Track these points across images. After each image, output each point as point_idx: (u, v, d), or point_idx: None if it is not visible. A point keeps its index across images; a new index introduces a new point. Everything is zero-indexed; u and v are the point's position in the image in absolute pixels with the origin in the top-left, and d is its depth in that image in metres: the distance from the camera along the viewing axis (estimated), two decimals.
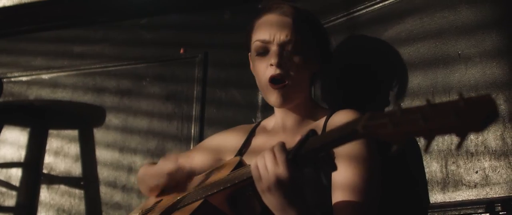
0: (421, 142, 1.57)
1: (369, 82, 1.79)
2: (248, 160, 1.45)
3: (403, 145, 0.77)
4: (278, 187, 1.14)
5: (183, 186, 1.60)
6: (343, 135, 0.92)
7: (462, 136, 0.69)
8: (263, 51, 1.57)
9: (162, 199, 1.60)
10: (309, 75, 1.61)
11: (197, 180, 1.56)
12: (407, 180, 1.61)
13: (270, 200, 1.17)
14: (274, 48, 1.54)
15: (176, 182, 1.56)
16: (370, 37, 1.82)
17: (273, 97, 1.55)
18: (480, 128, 0.68)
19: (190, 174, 1.62)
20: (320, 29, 1.67)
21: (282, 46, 1.54)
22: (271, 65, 1.53)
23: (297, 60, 1.54)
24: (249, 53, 1.67)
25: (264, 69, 1.55)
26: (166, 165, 1.56)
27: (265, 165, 1.16)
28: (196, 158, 1.75)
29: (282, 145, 1.17)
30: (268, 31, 1.56)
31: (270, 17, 1.59)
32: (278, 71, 1.52)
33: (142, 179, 1.70)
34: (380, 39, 1.78)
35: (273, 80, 1.53)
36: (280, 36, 1.54)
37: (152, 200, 1.66)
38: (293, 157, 1.11)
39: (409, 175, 1.60)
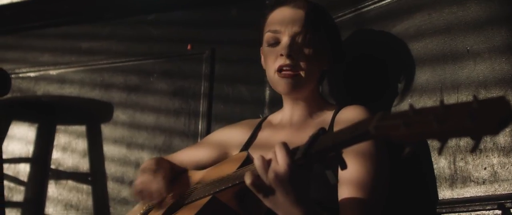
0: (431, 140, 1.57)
1: (377, 78, 1.79)
2: (254, 154, 1.45)
3: (415, 146, 0.77)
4: (280, 185, 1.14)
5: (184, 180, 1.61)
6: (355, 135, 0.91)
7: (477, 139, 0.69)
8: (274, 42, 1.57)
9: (168, 193, 1.60)
10: (319, 70, 1.61)
11: (202, 174, 1.56)
12: (415, 176, 1.60)
13: (272, 202, 1.17)
14: (285, 39, 1.55)
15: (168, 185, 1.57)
16: (378, 33, 1.82)
17: (281, 84, 1.55)
18: (496, 131, 0.68)
19: (179, 171, 1.62)
20: (332, 26, 1.67)
21: (293, 37, 1.55)
22: (281, 55, 1.53)
23: (308, 52, 1.54)
24: (261, 48, 1.67)
25: (274, 60, 1.56)
26: (152, 184, 1.55)
27: (267, 166, 1.16)
28: (202, 152, 1.75)
29: (285, 146, 1.16)
30: (280, 22, 1.57)
31: (283, 10, 1.60)
32: (287, 61, 1.52)
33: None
34: (388, 35, 1.77)
35: (282, 69, 1.54)
36: (292, 27, 1.55)
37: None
38: (303, 155, 1.10)
39: (417, 171, 1.60)
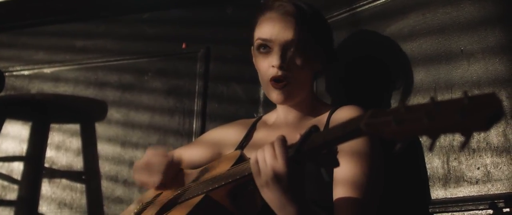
0: (423, 138, 1.57)
1: (371, 77, 1.79)
2: (248, 154, 1.44)
3: (406, 143, 0.77)
4: (277, 182, 1.13)
5: (178, 178, 1.60)
6: (346, 132, 0.92)
7: (467, 135, 0.69)
8: (265, 51, 1.56)
9: (161, 192, 1.60)
10: (311, 75, 1.60)
11: (196, 173, 1.56)
12: (409, 176, 1.61)
13: (268, 196, 1.17)
14: (275, 48, 1.54)
15: (170, 177, 1.56)
16: (373, 33, 1.82)
17: (274, 95, 1.55)
18: (486, 127, 0.68)
19: (181, 166, 1.62)
20: (323, 28, 1.66)
21: (284, 47, 1.53)
22: (273, 66, 1.53)
23: (299, 61, 1.53)
24: (252, 47, 1.66)
25: (266, 69, 1.55)
26: (157, 161, 1.56)
27: (264, 159, 1.16)
28: (196, 152, 1.75)
29: (282, 139, 1.16)
30: (271, 30, 1.55)
31: (273, 16, 1.57)
32: (279, 73, 1.52)
33: (136, 173, 1.68)
34: (383, 35, 1.78)
35: (275, 80, 1.53)
36: (282, 36, 1.53)
37: (151, 193, 1.66)
38: (295, 153, 1.10)
39: (410, 171, 1.60)
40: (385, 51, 1.78)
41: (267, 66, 1.55)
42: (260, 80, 1.62)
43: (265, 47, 1.56)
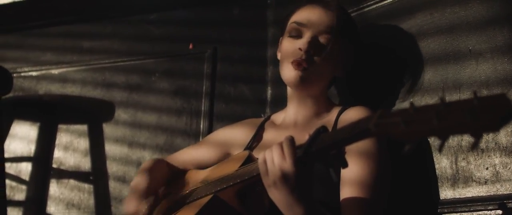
0: (432, 138, 1.56)
1: (379, 77, 1.78)
2: (257, 154, 1.44)
3: (415, 144, 0.76)
4: (284, 182, 1.13)
5: (186, 179, 1.61)
6: (355, 133, 0.91)
7: (478, 136, 0.68)
8: (296, 35, 1.58)
9: (170, 193, 1.61)
10: (331, 74, 1.61)
11: (204, 174, 1.56)
12: (417, 176, 1.60)
13: (276, 196, 1.17)
14: (307, 34, 1.56)
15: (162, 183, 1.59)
16: (380, 33, 1.81)
17: (291, 74, 1.55)
18: (496, 128, 0.67)
19: (178, 172, 1.64)
20: (357, 36, 1.68)
21: (316, 36, 1.55)
22: (300, 49, 1.53)
23: (326, 54, 1.55)
24: (280, 38, 1.67)
25: (291, 51, 1.56)
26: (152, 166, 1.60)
27: (272, 159, 1.16)
28: (203, 152, 1.75)
29: (291, 140, 1.16)
30: (308, 17, 1.58)
31: (314, 6, 1.61)
32: (304, 57, 1.53)
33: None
34: (390, 35, 1.77)
35: (297, 62, 1.54)
36: (318, 26, 1.56)
37: (159, 193, 1.66)
38: (304, 153, 1.10)
39: (419, 171, 1.60)
40: (392, 51, 1.77)
41: (293, 48, 1.55)
42: (280, 60, 1.62)
43: (297, 31, 1.57)
